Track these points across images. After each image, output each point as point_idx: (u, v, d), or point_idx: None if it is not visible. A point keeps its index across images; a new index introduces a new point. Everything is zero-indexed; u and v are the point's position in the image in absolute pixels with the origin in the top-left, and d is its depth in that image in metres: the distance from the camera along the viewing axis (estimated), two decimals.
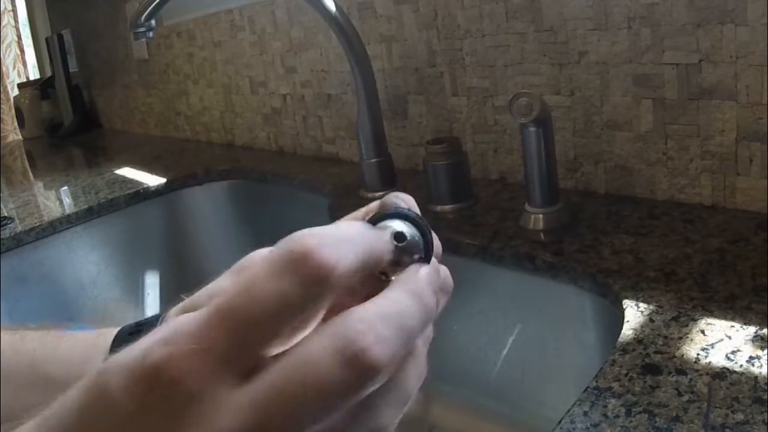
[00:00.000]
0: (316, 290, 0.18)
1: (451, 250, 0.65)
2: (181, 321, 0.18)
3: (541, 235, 0.62)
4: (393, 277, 0.21)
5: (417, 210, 0.23)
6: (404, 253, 0.21)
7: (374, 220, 0.22)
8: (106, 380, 0.18)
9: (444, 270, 0.25)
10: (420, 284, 0.21)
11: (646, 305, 0.46)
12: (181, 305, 0.28)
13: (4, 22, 2.08)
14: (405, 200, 0.24)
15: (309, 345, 0.18)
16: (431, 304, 0.20)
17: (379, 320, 0.18)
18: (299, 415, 0.17)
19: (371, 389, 0.18)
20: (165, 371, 0.17)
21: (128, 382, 0.17)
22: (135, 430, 0.17)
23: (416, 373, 0.21)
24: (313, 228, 0.19)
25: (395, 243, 0.21)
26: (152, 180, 1.08)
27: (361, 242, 0.19)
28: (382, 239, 0.21)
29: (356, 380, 0.17)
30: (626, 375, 0.39)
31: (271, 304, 0.17)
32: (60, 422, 0.18)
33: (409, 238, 0.21)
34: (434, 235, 0.24)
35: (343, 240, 0.19)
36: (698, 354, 0.39)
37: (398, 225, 0.21)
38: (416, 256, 0.21)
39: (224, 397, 0.17)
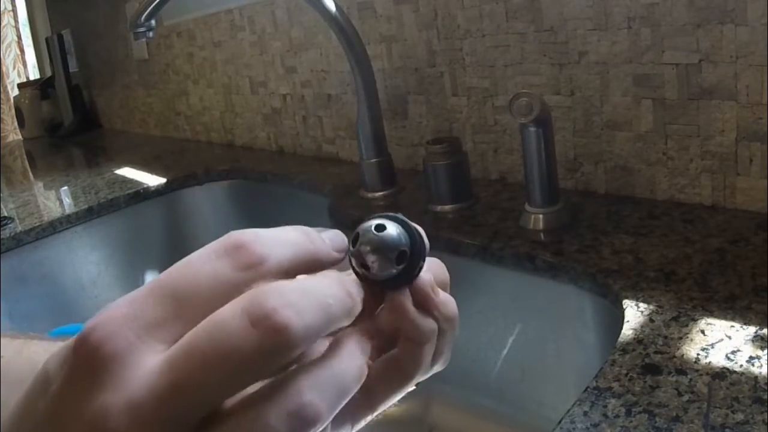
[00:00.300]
0: (245, 274, 0.19)
1: (451, 250, 0.65)
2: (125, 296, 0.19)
3: (541, 235, 0.62)
4: (374, 271, 0.22)
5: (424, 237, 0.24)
6: (384, 244, 0.22)
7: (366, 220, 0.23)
8: (46, 363, 0.19)
9: (445, 296, 0.24)
10: (345, 278, 0.22)
11: (646, 305, 0.46)
12: None
13: (4, 22, 2.08)
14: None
15: (222, 309, 0.18)
16: (354, 293, 0.21)
17: (295, 291, 0.19)
18: (210, 378, 0.17)
19: (286, 357, 0.18)
20: (91, 335, 0.18)
21: (61, 356, 0.18)
22: (62, 402, 0.17)
23: (354, 363, 0.20)
24: (256, 229, 0.21)
25: (374, 233, 0.22)
26: (152, 180, 1.08)
27: (295, 244, 0.21)
28: (317, 242, 0.22)
29: (265, 343, 0.17)
30: (626, 375, 0.39)
31: (204, 280, 0.19)
32: (10, 409, 0.19)
33: (389, 231, 0.22)
34: (443, 266, 0.25)
35: (278, 240, 0.21)
36: (698, 354, 0.39)
37: (383, 221, 0.22)
38: (401, 250, 0.22)
39: (145, 362, 0.17)
